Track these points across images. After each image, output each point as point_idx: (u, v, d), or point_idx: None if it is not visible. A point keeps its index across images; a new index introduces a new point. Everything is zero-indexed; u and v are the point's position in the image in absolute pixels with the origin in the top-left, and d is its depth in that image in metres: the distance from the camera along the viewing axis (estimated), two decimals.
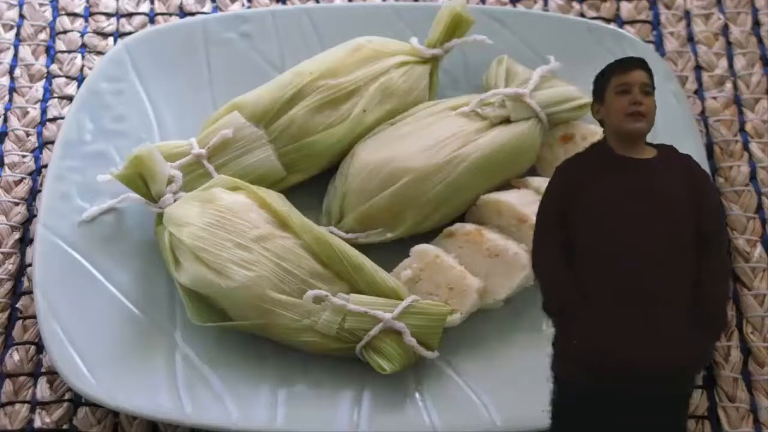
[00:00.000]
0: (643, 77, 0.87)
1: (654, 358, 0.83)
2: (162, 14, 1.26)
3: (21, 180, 1.14)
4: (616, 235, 0.84)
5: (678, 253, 0.85)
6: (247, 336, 1.02)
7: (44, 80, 1.21)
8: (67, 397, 1.02)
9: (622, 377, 0.83)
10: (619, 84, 0.87)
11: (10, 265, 1.09)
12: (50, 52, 1.23)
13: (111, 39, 1.24)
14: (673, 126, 1.12)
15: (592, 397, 0.84)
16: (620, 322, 0.83)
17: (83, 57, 1.23)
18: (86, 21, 1.26)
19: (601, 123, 0.89)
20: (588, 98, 1.10)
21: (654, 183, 0.86)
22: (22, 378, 1.03)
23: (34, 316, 1.04)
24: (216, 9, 1.26)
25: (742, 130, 1.18)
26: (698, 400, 1.01)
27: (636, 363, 0.83)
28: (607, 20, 1.25)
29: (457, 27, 1.13)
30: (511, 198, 1.06)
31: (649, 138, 1.11)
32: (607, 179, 0.86)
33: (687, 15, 1.26)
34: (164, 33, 1.18)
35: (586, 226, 0.85)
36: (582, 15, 1.25)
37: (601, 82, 0.89)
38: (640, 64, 0.88)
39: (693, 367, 0.85)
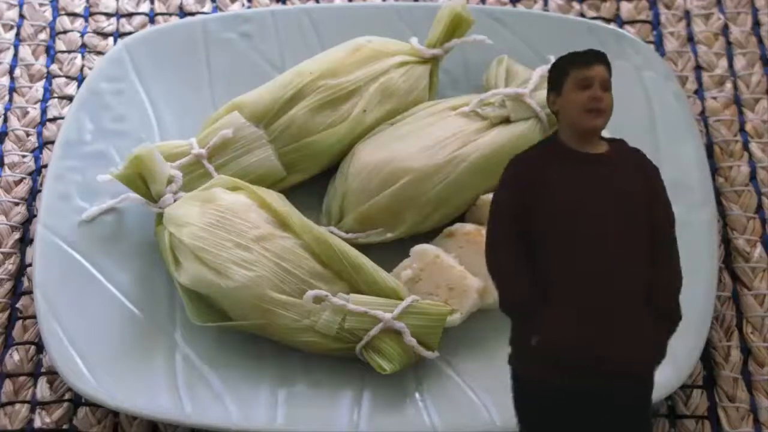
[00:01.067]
0: (604, 72, 0.86)
1: (620, 355, 0.83)
2: (162, 14, 1.26)
3: (21, 180, 1.14)
4: (579, 231, 0.83)
5: (638, 249, 0.84)
6: (247, 336, 1.02)
7: (44, 80, 1.21)
8: (67, 397, 1.02)
9: (587, 375, 0.83)
10: (580, 78, 0.86)
11: (10, 265, 1.09)
12: (50, 52, 1.23)
13: (111, 39, 1.24)
14: (673, 126, 1.12)
15: (555, 395, 0.83)
16: (583, 319, 0.83)
17: (83, 57, 1.23)
18: (86, 21, 1.26)
19: (556, 114, 0.87)
20: None
21: (612, 178, 0.85)
22: (22, 378, 1.03)
23: (34, 316, 1.04)
24: (216, 9, 1.26)
25: (742, 130, 1.18)
26: (698, 400, 1.01)
27: (601, 360, 0.83)
28: (607, 20, 1.25)
29: (457, 27, 1.13)
30: None
31: (650, 137, 1.12)
32: (567, 175, 0.85)
33: (687, 15, 1.26)
34: (164, 33, 1.18)
35: (547, 222, 0.84)
36: (582, 15, 1.25)
37: (560, 74, 0.86)
38: (602, 58, 0.86)
39: (655, 363, 0.85)
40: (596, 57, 0.86)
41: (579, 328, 0.83)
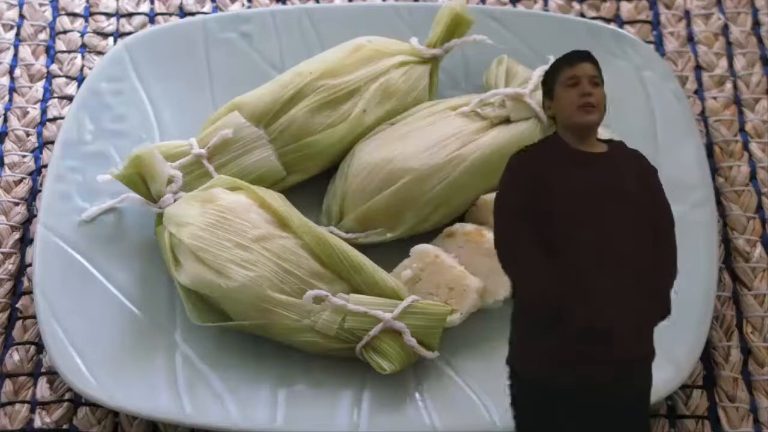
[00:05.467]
0: (590, 69, 0.87)
1: (622, 346, 0.83)
2: (162, 14, 1.26)
3: (21, 180, 1.14)
4: (588, 232, 0.84)
5: (642, 248, 0.85)
6: (247, 336, 1.02)
7: (44, 80, 1.21)
8: (67, 397, 1.02)
9: (592, 369, 0.83)
10: (568, 78, 0.87)
11: (10, 265, 1.09)
12: (50, 52, 1.23)
13: (111, 39, 1.24)
14: (673, 126, 1.12)
15: (559, 393, 0.83)
16: (593, 314, 0.83)
17: (83, 57, 1.23)
18: (86, 21, 1.26)
19: (553, 119, 0.88)
20: None
21: (615, 179, 0.86)
22: (22, 378, 1.03)
23: (34, 316, 1.04)
24: (216, 9, 1.26)
25: (742, 130, 1.18)
26: (698, 400, 1.01)
27: (605, 354, 0.83)
28: (607, 20, 1.25)
29: (457, 27, 1.13)
30: None
31: (650, 137, 1.12)
32: (572, 174, 0.85)
33: (687, 15, 1.26)
34: (164, 33, 1.18)
35: (549, 218, 0.84)
36: (582, 15, 1.26)
37: (550, 79, 0.88)
38: (587, 56, 0.88)
39: (651, 358, 0.85)
40: (581, 55, 0.88)
41: (592, 321, 0.83)
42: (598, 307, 0.83)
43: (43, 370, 1.03)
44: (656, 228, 0.86)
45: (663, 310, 0.86)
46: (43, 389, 1.02)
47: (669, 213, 0.88)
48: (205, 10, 1.26)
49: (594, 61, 0.87)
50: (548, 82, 0.88)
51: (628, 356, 0.84)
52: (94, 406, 1.00)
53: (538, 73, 1.11)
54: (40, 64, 1.22)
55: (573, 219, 0.84)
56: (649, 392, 0.86)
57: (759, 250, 1.10)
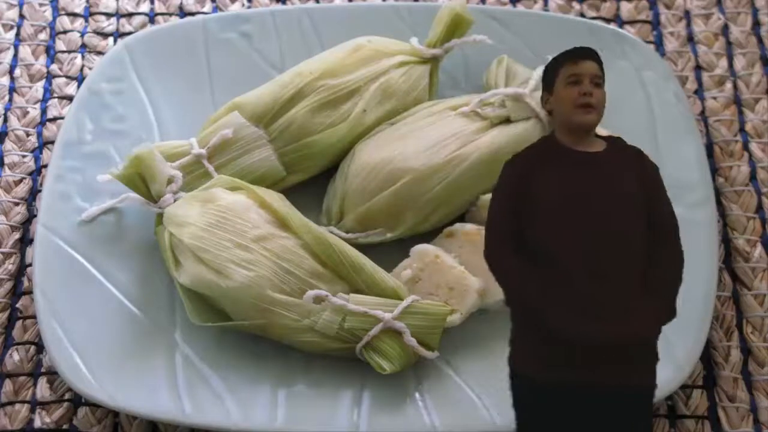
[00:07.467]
0: (593, 68, 0.86)
1: (617, 354, 0.83)
2: (162, 14, 1.26)
3: (21, 180, 1.14)
4: (581, 234, 0.83)
5: (635, 248, 0.84)
6: (247, 336, 1.02)
7: (44, 80, 1.21)
8: (67, 397, 1.02)
9: (593, 370, 0.83)
10: (570, 75, 0.86)
11: (10, 265, 1.09)
12: (50, 52, 1.23)
13: (111, 39, 1.24)
14: (673, 126, 1.12)
15: (561, 393, 0.83)
16: (584, 318, 0.83)
17: (83, 57, 1.23)
18: (86, 21, 1.26)
19: (550, 114, 0.88)
20: None
21: (609, 178, 0.85)
22: (22, 378, 1.03)
23: (34, 316, 1.04)
24: (216, 9, 1.26)
25: (742, 130, 1.18)
26: (698, 400, 1.01)
27: (601, 356, 0.83)
28: (607, 20, 1.25)
29: (457, 27, 1.13)
30: None
31: (650, 137, 1.12)
32: (567, 176, 0.85)
33: (687, 15, 1.26)
34: (164, 33, 1.18)
35: (549, 225, 0.84)
36: (582, 15, 1.26)
37: (552, 73, 0.87)
38: (591, 54, 0.86)
39: (653, 360, 0.85)
40: (585, 53, 0.86)
41: (582, 322, 0.83)
42: (582, 311, 0.82)
43: (43, 370, 1.03)
44: (657, 228, 0.86)
45: (666, 313, 0.86)
46: (43, 389, 1.02)
47: (671, 212, 0.87)
48: (205, 10, 1.26)
49: (598, 60, 0.87)
50: (549, 76, 0.87)
51: (621, 359, 0.83)
52: (94, 406, 1.00)
53: (539, 73, 1.11)
54: (40, 64, 1.22)
55: (565, 222, 0.84)
56: (652, 395, 0.86)
57: (759, 250, 1.10)
